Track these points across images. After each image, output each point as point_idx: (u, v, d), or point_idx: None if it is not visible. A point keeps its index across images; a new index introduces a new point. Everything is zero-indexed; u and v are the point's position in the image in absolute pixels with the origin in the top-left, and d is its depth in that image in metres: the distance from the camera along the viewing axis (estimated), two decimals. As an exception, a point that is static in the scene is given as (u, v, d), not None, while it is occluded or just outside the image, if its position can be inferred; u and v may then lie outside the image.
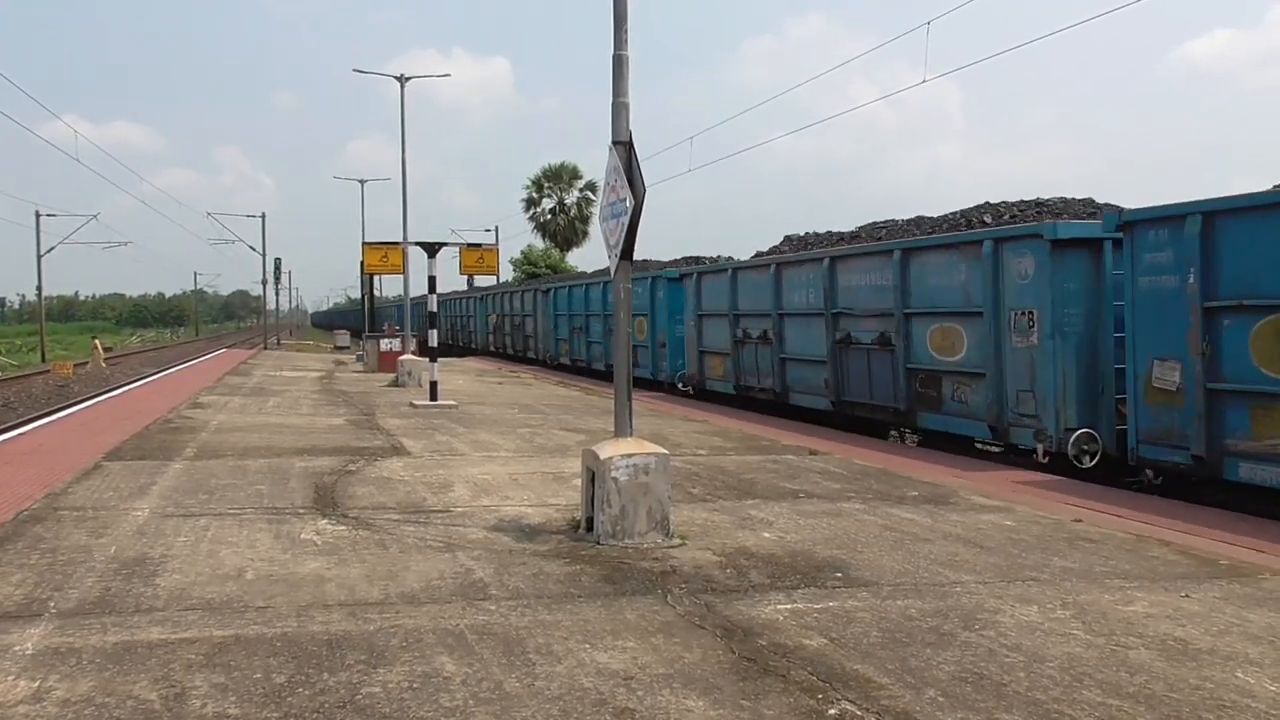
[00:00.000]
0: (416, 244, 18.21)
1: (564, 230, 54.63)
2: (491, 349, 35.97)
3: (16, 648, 4.13)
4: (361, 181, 41.19)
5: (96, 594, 4.93)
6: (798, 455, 10.43)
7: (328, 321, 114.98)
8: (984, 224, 11.95)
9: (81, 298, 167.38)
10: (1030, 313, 9.85)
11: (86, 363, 34.85)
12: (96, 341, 39.19)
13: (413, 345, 24.68)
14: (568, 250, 54.39)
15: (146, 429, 12.02)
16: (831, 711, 3.58)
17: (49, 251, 48.12)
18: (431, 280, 16.61)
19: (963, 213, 12.83)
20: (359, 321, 43.36)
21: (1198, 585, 5.39)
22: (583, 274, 32.00)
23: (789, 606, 4.89)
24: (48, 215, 48.51)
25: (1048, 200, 11.90)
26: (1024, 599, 5.06)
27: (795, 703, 3.66)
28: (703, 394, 17.63)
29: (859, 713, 3.57)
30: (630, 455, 6.23)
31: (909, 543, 6.33)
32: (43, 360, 42.63)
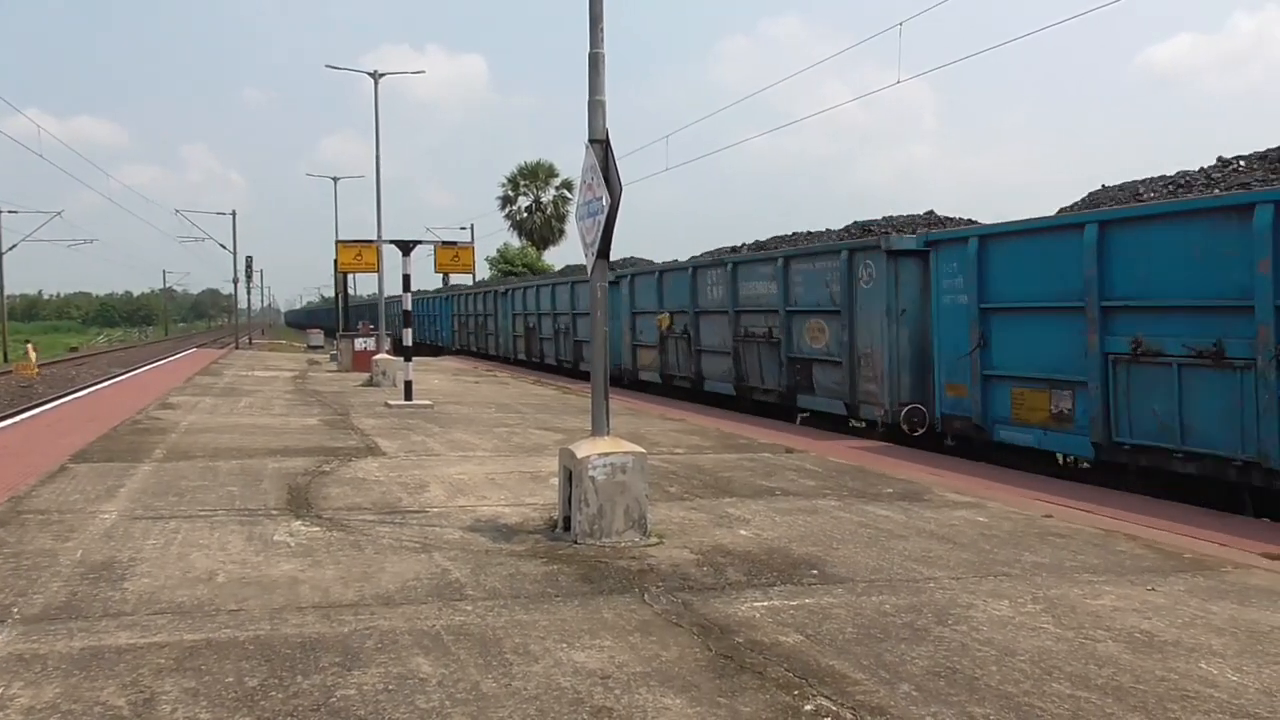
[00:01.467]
0: (391, 242, 18.11)
1: (540, 229, 54.55)
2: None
3: (-17, 654, 4.06)
4: (334, 179, 41.00)
5: (62, 599, 4.87)
6: (774, 453, 10.47)
7: (304, 321, 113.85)
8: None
9: (46, 296, 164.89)
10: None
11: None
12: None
13: (378, 345, 24.51)
14: (544, 249, 54.35)
15: (114, 430, 11.87)
16: (807, 707, 3.61)
17: (11, 249, 47.40)
18: (406, 279, 16.51)
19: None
20: (335, 320, 43.09)
21: (1164, 579, 5.47)
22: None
23: (765, 604, 4.91)
24: (9, 212, 47.68)
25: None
26: (996, 594, 5.11)
27: (772, 699, 3.68)
28: None
29: (834, 708, 3.60)
30: (607, 454, 6.23)
31: (884, 539, 6.37)
32: (4, 360, 41.90)
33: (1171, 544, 6.36)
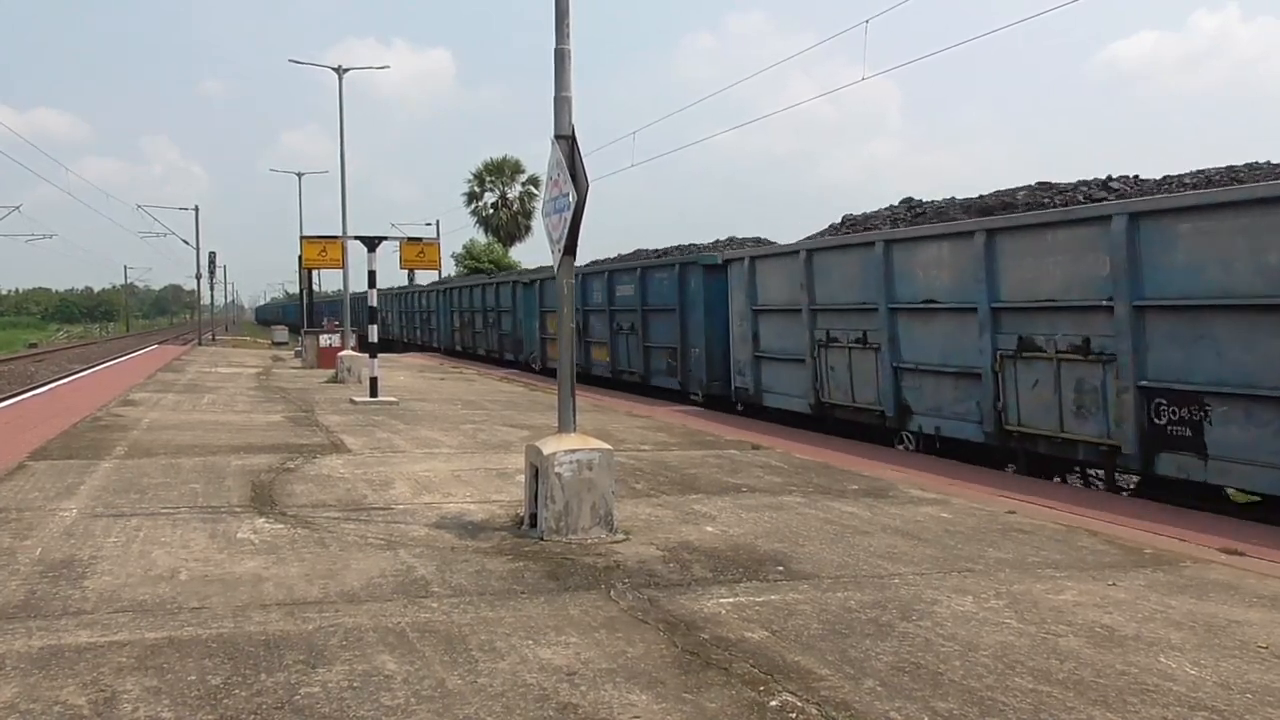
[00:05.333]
0: (356, 238, 17.94)
1: (507, 225, 54.29)
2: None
3: (-64, 654, 3.98)
4: (299, 174, 40.50)
5: (20, 597, 4.78)
6: (740, 450, 10.51)
7: (276, 317, 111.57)
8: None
9: (4, 292, 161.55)
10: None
11: None
12: None
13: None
14: (510, 245, 54.11)
15: (74, 427, 11.67)
16: (773, 703, 3.62)
17: (-30, 243, 46.41)
18: (371, 275, 16.39)
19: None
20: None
21: (1124, 574, 5.56)
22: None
23: (731, 600, 4.93)
24: (-34, 206, 46.58)
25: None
26: (960, 589, 5.17)
27: (737, 695, 3.69)
28: None
29: (800, 704, 3.62)
30: (574, 451, 6.23)
31: (849, 535, 6.42)
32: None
33: (1132, 539, 6.47)
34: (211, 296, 68.28)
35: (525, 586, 5.14)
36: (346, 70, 25.85)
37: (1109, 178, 10.51)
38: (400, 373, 22.90)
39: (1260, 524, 7.06)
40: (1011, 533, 6.60)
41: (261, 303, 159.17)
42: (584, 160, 6.48)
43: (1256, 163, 9.34)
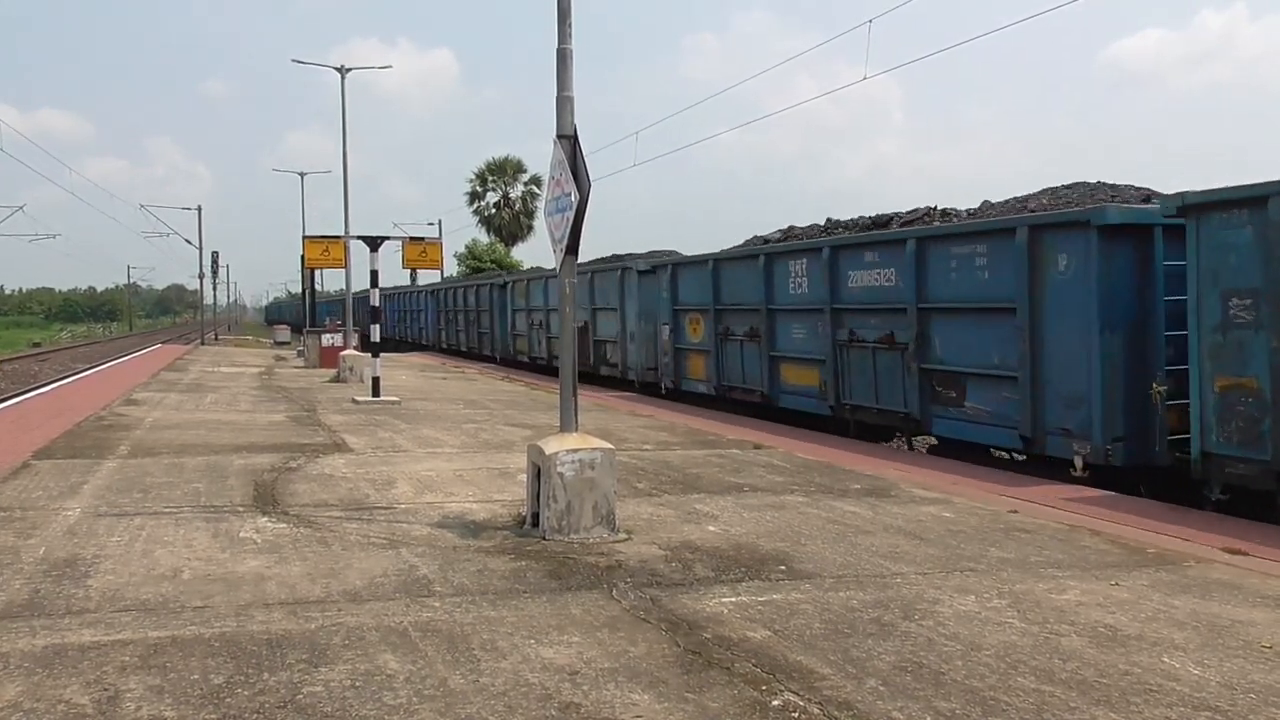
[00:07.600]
0: (359, 237, 17.97)
1: (509, 224, 54.29)
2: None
3: (-60, 653, 3.98)
4: (301, 174, 40.60)
5: (25, 596, 4.79)
6: (742, 450, 10.51)
7: (284, 316, 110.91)
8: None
9: (7, 291, 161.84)
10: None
11: None
12: None
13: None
14: (512, 245, 54.12)
15: (78, 426, 11.69)
16: (775, 703, 3.62)
17: (-27, 243, 46.50)
18: (374, 274, 16.39)
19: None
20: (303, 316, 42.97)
21: (1127, 574, 5.55)
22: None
23: (733, 599, 4.93)
24: (-29, 206, 46.70)
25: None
26: (962, 589, 5.17)
27: (739, 694, 3.69)
28: None
29: (801, 703, 3.62)
30: (576, 450, 6.23)
31: (851, 535, 6.42)
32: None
33: (1135, 539, 6.46)
34: (214, 296, 68.05)
35: (527, 586, 5.14)
36: (349, 70, 25.83)
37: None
38: (402, 372, 22.92)
39: (1264, 524, 7.05)
40: (1014, 532, 6.60)
41: (265, 302, 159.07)
42: (586, 160, 6.48)
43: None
